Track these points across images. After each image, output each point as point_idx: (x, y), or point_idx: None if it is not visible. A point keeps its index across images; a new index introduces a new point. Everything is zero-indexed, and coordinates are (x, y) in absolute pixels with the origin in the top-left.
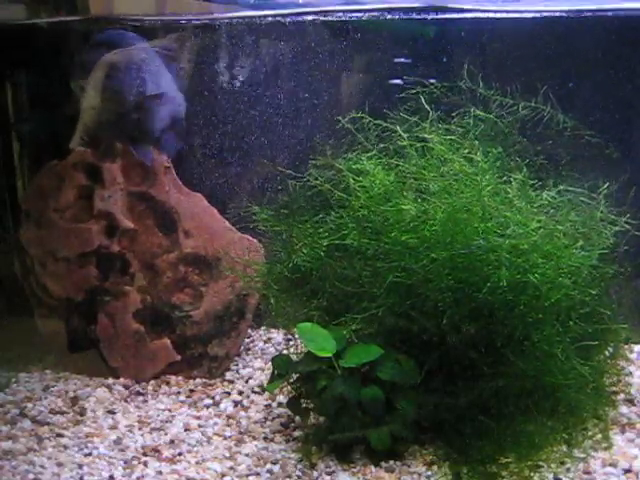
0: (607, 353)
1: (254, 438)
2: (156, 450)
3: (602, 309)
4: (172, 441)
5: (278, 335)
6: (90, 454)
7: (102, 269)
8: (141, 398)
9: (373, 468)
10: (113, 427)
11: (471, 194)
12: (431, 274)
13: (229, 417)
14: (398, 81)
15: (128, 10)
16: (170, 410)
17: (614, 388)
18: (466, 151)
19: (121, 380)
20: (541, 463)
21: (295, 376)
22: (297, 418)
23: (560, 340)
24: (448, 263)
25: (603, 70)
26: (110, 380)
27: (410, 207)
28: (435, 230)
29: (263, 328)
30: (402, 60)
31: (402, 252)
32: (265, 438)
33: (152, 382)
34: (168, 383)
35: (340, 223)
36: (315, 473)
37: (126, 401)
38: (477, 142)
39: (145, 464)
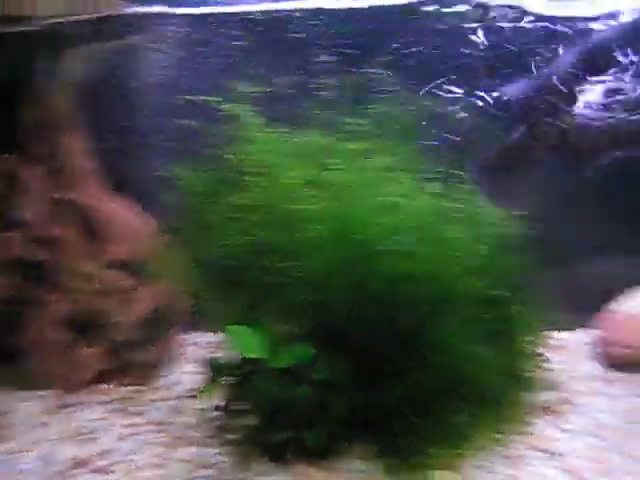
0: (527, 341)
1: (188, 443)
2: (87, 461)
3: (517, 299)
4: (104, 451)
5: (209, 338)
6: (19, 470)
7: (26, 278)
8: (71, 408)
9: (307, 467)
10: (42, 440)
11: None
12: (330, 270)
13: (161, 423)
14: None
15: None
16: (101, 419)
17: (535, 374)
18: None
19: (50, 391)
20: (469, 451)
21: (229, 379)
22: (231, 421)
23: (470, 331)
24: (347, 257)
25: None
26: (38, 392)
27: (311, 204)
28: (330, 227)
29: (193, 332)
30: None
31: (303, 249)
32: (199, 443)
33: (82, 392)
34: (99, 392)
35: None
36: (250, 474)
37: (56, 412)
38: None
39: (76, 476)
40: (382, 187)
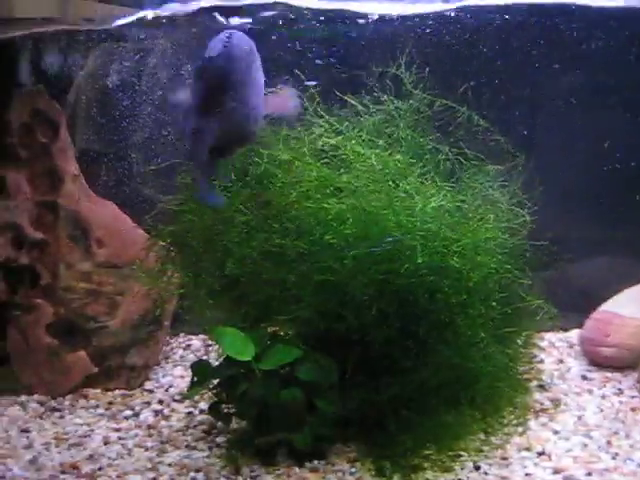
0: (520, 341)
1: (176, 447)
2: (75, 467)
3: (523, 295)
4: (91, 456)
5: (198, 342)
6: (4, 477)
7: (11, 282)
8: (57, 414)
9: (297, 469)
10: (28, 446)
11: (379, 188)
12: (354, 270)
13: (150, 427)
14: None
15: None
16: (89, 424)
17: (527, 375)
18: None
19: (35, 397)
20: (461, 452)
21: (215, 382)
22: (219, 424)
23: (483, 324)
24: (368, 258)
25: None
26: (23, 397)
27: (332, 205)
28: (352, 227)
29: (182, 335)
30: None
31: (323, 252)
32: (187, 446)
33: (69, 397)
34: (86, 397)
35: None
36: (240, 478)
37: (41, 418)
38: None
39: None
40: (400, 184)
